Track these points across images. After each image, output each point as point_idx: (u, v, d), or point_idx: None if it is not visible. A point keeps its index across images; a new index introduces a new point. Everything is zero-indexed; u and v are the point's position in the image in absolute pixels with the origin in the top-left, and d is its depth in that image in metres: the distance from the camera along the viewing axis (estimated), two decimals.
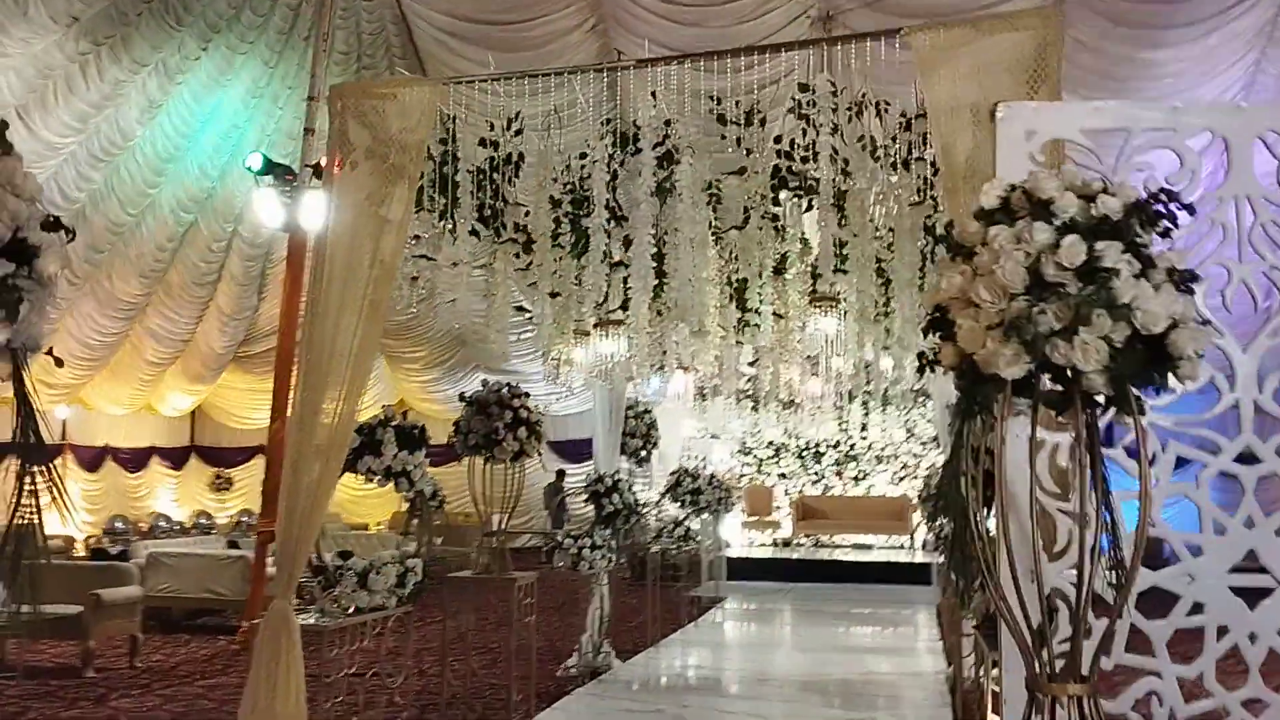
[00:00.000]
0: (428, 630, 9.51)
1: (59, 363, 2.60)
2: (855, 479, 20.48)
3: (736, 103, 5.00)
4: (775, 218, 5.15)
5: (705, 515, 13.88)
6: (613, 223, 5.24)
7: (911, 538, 19.33)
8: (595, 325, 6.28)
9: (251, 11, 13.72)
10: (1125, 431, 3.33)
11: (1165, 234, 2.65)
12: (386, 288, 5.14)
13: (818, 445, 20.65)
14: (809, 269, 5.82)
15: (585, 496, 9.65)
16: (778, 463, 20.82)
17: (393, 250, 5.15)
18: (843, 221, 4.94)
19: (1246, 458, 3.27)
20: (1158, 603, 3.28)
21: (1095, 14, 11.57)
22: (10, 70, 12.83)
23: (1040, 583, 2.89)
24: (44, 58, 13.02)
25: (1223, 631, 3.23)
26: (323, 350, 5.10)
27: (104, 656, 9.81)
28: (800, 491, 20.45)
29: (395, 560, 6.41)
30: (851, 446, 20.53)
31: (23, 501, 2.32)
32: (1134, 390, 2.62)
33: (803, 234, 5.81)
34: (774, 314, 5.66)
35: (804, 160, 4.93)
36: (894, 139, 5.00)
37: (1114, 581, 3.14)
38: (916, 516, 18.96)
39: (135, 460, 22.97)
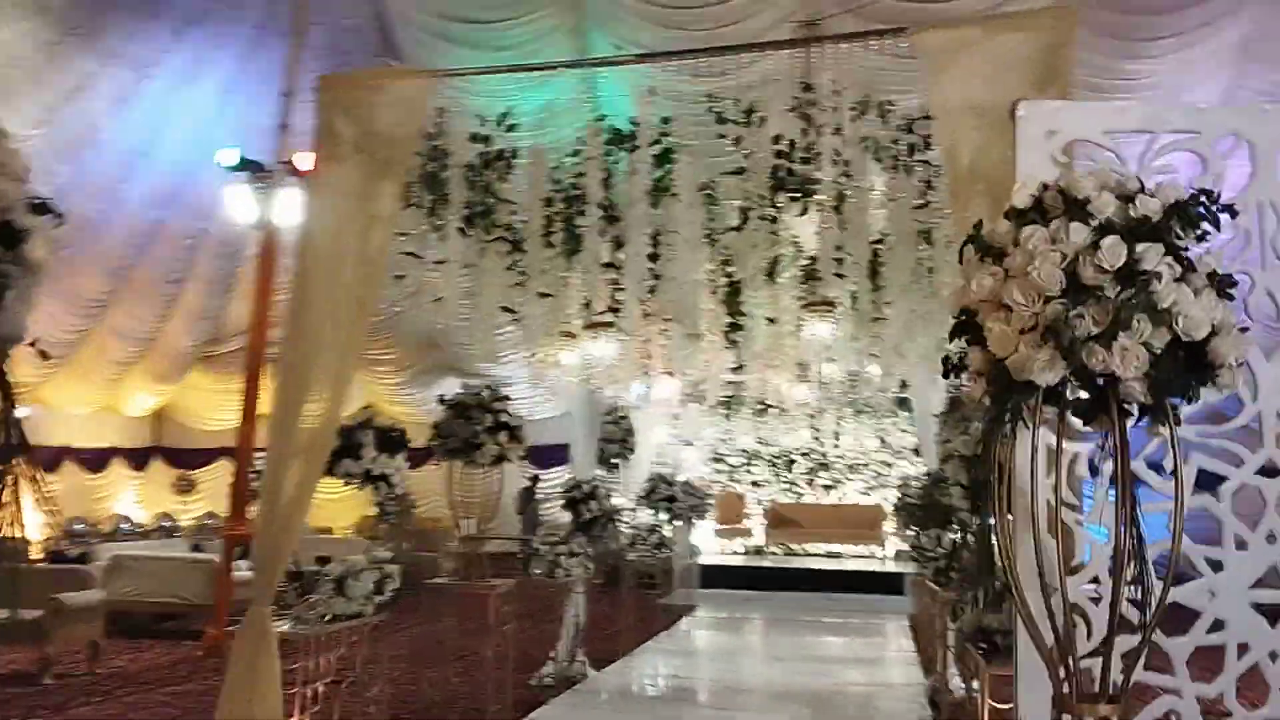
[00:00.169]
0: (398, 637, 9.32)
1: (44, 355, 2.45)
2: (827, 487, 20.44)
3: (735, 101, 4.89)
4: (773, 220, 5.05)
5: (677, 522, 13.79)
6: (606, 222, 5.11)
7: (883, 547, 19.30)
8: (585, 327, 6.15)
9: (227, 5, 13.49)
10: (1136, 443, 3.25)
11: (1202, 237, 2.56)
12: (373, 286, 4.99)
13: (790, 453, 20.61)
14: (802, 272, 5.72)
15: (562, 503, 9.51)
16: (750, 470, 20.75)
17: (380, 247, 5.00)
18: (844, 225, 4.84)
19: (1269, 470, 3.18)
20: (1177, 619, 3.18)
21: (1078, 23, 11.56)
22: None
23: (1065, 598, 2.78)
24: (10, 46, 12.73)
25: (1243, 649, 3.14)
26: (305, 349, 4.94)
27: (63, 663, 9.53)
28: (772, 500, 20.38)
29: (373, 566, 6.25)
30: (824, 455, 20.49)
31: (3, 502, 2.16)
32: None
33: (794, 237, 5.71)
34: (766, 319, 5.56)
35: (804, 161, 4.83)
36: (895, 141, 4.90)
37: (1136, 598, 3.05)
38: (888, 526, 18.95)
39: (96, 461, 22.54)
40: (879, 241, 5.00)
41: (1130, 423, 2.78)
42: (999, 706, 4.87)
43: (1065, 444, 3.26)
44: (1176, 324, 2.38)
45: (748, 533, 20.19)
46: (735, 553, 20.07)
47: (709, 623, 14.52)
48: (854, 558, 19.63)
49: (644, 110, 4.87)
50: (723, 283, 5.60)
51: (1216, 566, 3.18)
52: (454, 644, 8.34)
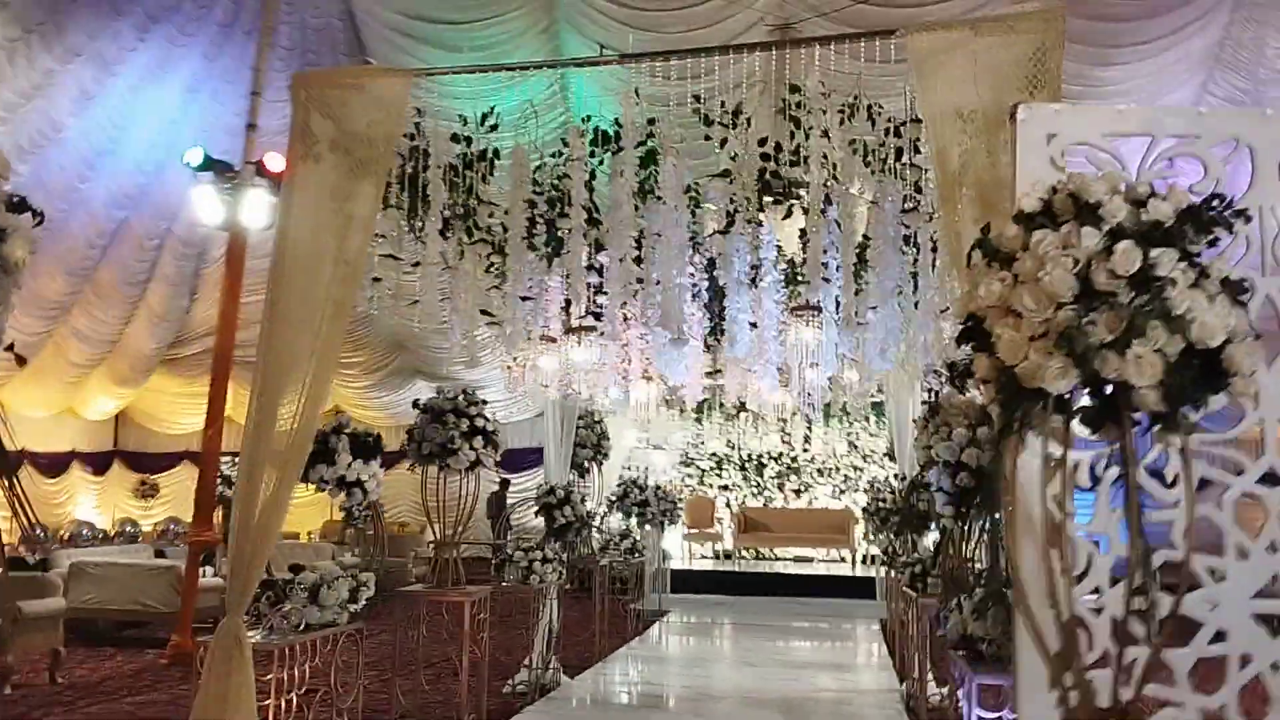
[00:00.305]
0: (368, 645, 9.18)
1: (20, 361, 2.33)
2: (797, 492, 20.45)
3: (722, 103, 4.83)
4: (760, 223, 4.99)
5: (648, 527, 13.73)
6: (588, 225, 5.04)
7: (852, 551, 19.33)
8: (567, 332, 6.07)
9: (193, 3, 13.28)
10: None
11: (1214, 242, 2.52)
12: (351, 288, 4.90)
13: (760, 457, 20.61)
14: (784, 277, 5.67)
15: (536, 508, 9.41)
16: (719, 474, 20.74)
17: (358, 249, 4.90)
18: (828, 229, 4.78)
19: (1271, 479, 3.15)
20: (1178, 630, 3.14)
21: None
22: None
23: (1071, 609, 2.72)
24: None
25: (1246, 660, 3.10)
26: (281, 352, 4.84)
27: (22, 673, 9.31)
28: (742, 503, 20.37)
29: (347, 574, 6.13)
30: (794, 459, 20.51)
31: None
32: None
33: (779, 242, 5.66)
34: (750, 324, 5.50)
35: (792, 164, 4.78)
36: (881, 144, 4.86)
37: (1139, 608, 3.01)
38: (858, 530, 18.98)
39: (54, 465, 22.18)
40: (863, 247, 4.95)
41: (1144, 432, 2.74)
42: (985, 716, 4.83)
43: (1057, 452, 3.23)
44: (1191, 331, 2.33)
45: (717, 537, 20.16)
46: (705, 557, 20.06)
47: (681, 628, 14.46)
48: (823, 562, 19.66)
49: (627, 111, 4.79)
50: (705, 286, 5.54)
51: (1218, 576, 3.14)
52: (426, 652, 8.21)
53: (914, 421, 9.13)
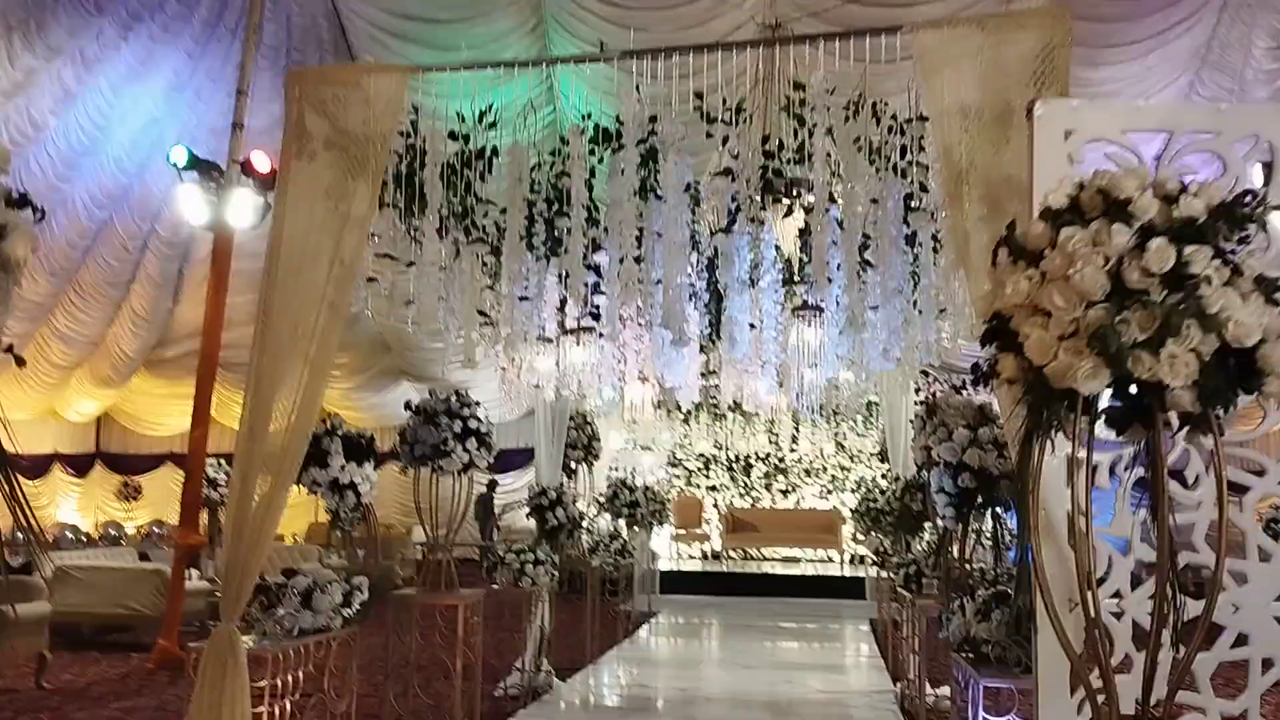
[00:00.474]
0: (358, 649, 9.08)
1: (20, 362, 2.26)
2: (784, 492, 20.42)
3: (724, 100, 4.77)
4: (762, 222, 4.93)
5: (636, 528, 13.66)
6: (589, 224, 4.97)
7: (840, 551, 19.31)
8: (567, 332, 5.99)
9: (176, 1, 13.14)
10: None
11: (1245, 239, 2.47)
12: (346, 288, 4.82)
13: (747, 458, 20.57)
14: (783, 277, 5.62)
15: (528, 510, 9.33)
16: (707, 475, 20.69)
17: (354, 249, 4.82)
18: (837, 226, 4.72)
19: None
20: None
21: None
22: None
23: (1097, 612, 2.67)
24: None
25: (1268, 664, 3.06)
26: (276, 354, 4.75)
27: (7, 677, 9.18)
28: (729, 504, 20.33)
29: (341, 578, 6.05)
30: (781, 459, 20.48)
31: None
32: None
33: (777, 243, 5.61)
34: (750, 324, 5.44)
35: (796, 161, 4.73)
36: (885, 143, 4.81)
37: (1160, 611, 2.96)
38: (845, 530, 18.97)
39: (35, 467, 21.96)
40: (865, 246, 4.90)
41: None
42: (991, 718, 4.79)
43: (1083, 453, 3.18)
44: (1226, 330, 2.28)
45: (705, 537, 20.12)
46: (692, 558, 20.01)
47: (671, 629, 14.41)
48: (810, 562, 19.64)
49: (628, 108, 4.73)
50: (704, 286, 5.48)
51: (1240, 579, 3.10)
52: (417, 655, 8.13)
53: (910, 422, 9.13)
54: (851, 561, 19.16)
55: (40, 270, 16.09)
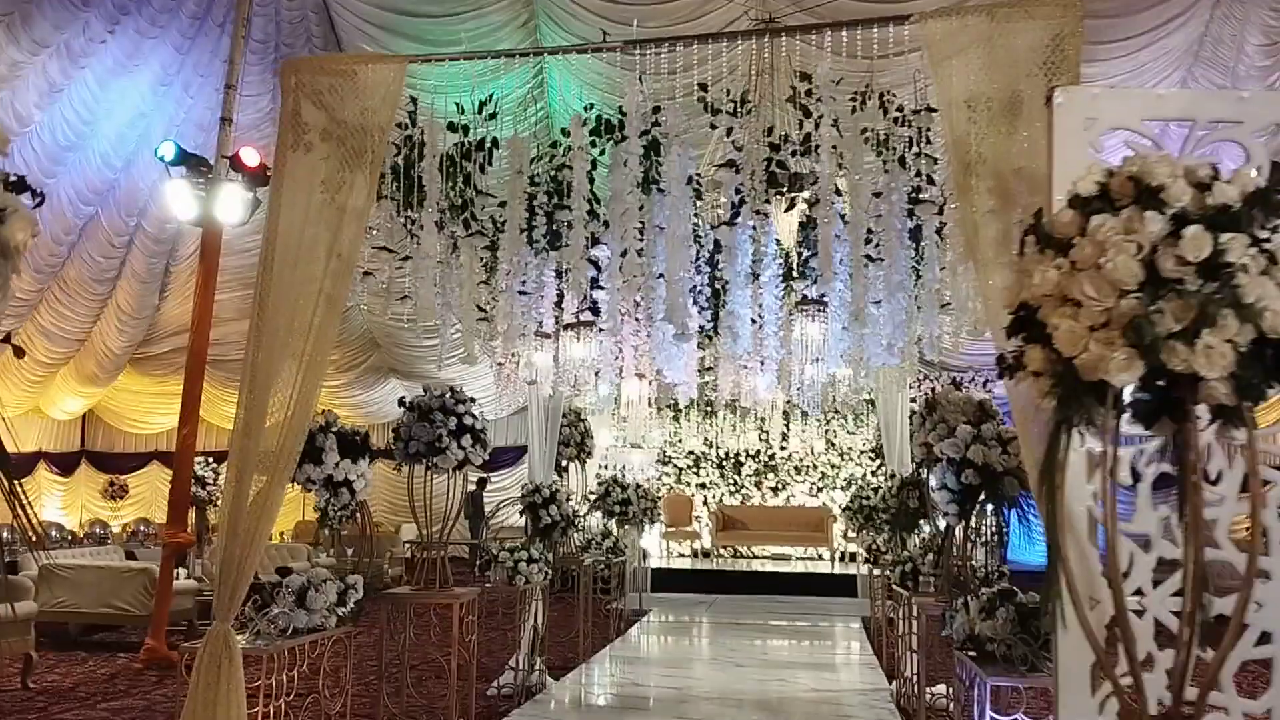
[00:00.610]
0: (350, 646, 8.99)
1: (19, 352, 2.17)
2: (774, 489, 20.37)
3: (727, 91, 4.70)
4: (766, 215, 4.87)
5: (627, 526, 13.60)
6: (590, 217, 4.89)
7: (830, 549, 19.27)
8: (566, 327, 5.91)
9: None
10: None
11: (1278, 228, 2.41)
12: (344, 281, 4.73)
13: (737, 455, 20.52)
14: (783, 271, 5.55)
15: (521, 508, 9.24)
16: (697, 473, 20.63)
17: (351, 241, 4.74)
18: (845, 220, 4.66)
19: None
20: (1217, 632, 3.04)
21: None
22: None
23: (1123, 610, 2.61)
24: None
25: None
26: (272, 350, 4.67)
27: None
28: (719, 501, 20.27)
29: (335, 576, 5.97)
30: (771, 457, 20.43)
31: None
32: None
33: (778, 238, 5.54)
34: (752, 319, 5.38)
35: (800, 154, 4.66)
36: (891, 134, 4.75)
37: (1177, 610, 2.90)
38: (836, 527, 18.94)
39: (20, 466, 21.78)
40: (869, 240, 4.83)
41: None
42: (999, 718, 4.73)
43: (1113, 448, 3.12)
44: (1263, 320, 2.22)
45: (695, 535, 20.06)
46: (682, 555, 19.95)
47: (663, 627, 14.35)
48: (800, 559, 19.60)
49: (631, 99, 4.65)
50: (706, 280, 5.41)
51: (1262, 576, 3.04)
52: (411, 655, 8.04)
53: (909, 418, 9.09)
54: (841, 559, 19.14)
55: (25, 266, 15.86)
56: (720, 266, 5.24)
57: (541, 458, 9.46)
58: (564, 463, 10.61)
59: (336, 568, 9.00)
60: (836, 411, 17.21)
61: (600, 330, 5.80)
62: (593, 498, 13.18)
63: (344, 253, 4.68)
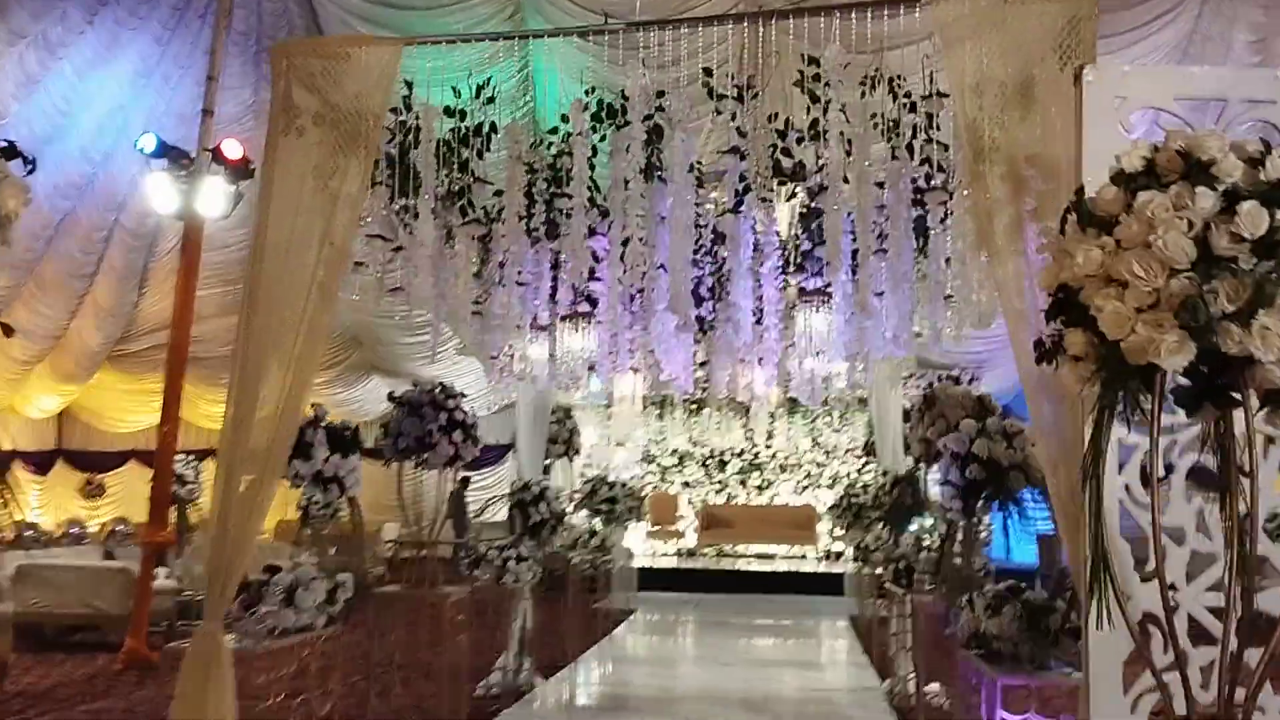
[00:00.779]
0: (339, 647, 8.84)
1: (8, 331, 2.04)
2: (759, 488, 20.27)
3: (731, 76, 4.58)
4: (769, 202, 4.75)
5: (612, 524, 13.47)
6: (589, 204, 4.77)
7: (815, 547, 19.19)
8: (564, 318, 5.78)
9: None
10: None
11: None
12: (337, 270, 4.58)
13: (722, 453, 20.41)
14: (784, 261, 5.44)
15: (509, 505, 9.10)
16: (681, 471, 20.51)
17: (345, 228, 4.60)
18: (835, 209, 4.54)
19: None
20: (1252, 630, 2.94)
21: None
22: None
23: (1168, 607, 2.51)
24: None
25: None
26: (262, 342, 4.52)
27: None
28: (705, 500, 20.16)
29: (324, 575, 5.82)
30: (756, 455, 20.33)
31: None
32: None
33: (777, 229, 5.43)
34: (754, 310, 5.26)
35: (809, 139, 4.55)
36: (899, 120, 4.65)
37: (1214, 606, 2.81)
38: (821, 526, 18.86)
39: None
40: (876, 230, 4.73)
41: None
42: (1009, 717, 4.64)
43: (1135, 437, 3.02)
44: None
45: (679, 534, 19.94)
46: (666, 554, 19.82)
47: (649, 627, 14.24)
48: (786, 558, 19.50)
49: (634, 84, 4.53)
50: (709, 270, 5.30)
51: None
52: (399, 654, 7.91)
53: (906, 412, 8.98)
54: (827, 558, 19.06)
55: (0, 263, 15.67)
56: (723, 257, 5.12)
57: (530, 454, 9.33)
58: (549, 460, 10.48)
59: (321, 566, 8.84)
60: (827, 404, 17.11)
61: (599, 323, 5.67)
62: (578, 496, 13.06)
63: (337, 240, 4.54)
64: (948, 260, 5.11)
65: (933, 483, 8.15)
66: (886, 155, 4.63)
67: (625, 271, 4.60)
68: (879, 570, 9.82)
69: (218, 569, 4.47)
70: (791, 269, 5.74)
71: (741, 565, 18.90)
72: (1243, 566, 2.53)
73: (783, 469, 20.25)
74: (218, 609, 4.50)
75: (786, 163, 4.56)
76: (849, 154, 4.43)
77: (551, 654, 10.44)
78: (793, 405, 18.61)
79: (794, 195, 5.00)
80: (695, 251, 5.16)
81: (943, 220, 4.99)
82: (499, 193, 5.19)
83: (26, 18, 12.63)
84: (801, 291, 5.42)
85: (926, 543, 8.19)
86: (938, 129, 4.64)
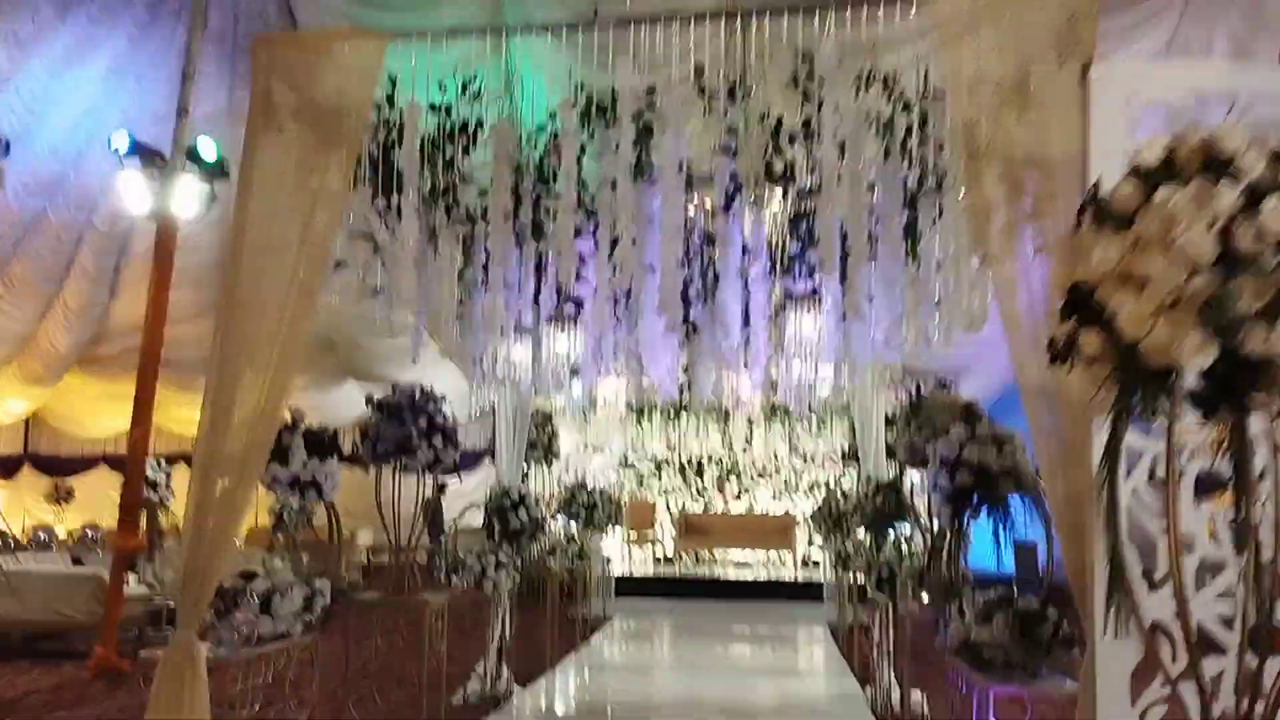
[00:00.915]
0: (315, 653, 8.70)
1: None
2: (737, 495, 20.19)
3: (726, 75, 4.50)
4: (761, 202, 4.67)
5: (591, 531, 13.37)
6: (578, 205, 4.67)
7: (794, 554, 19.12)
8: (549, 321, 5.69)
9: None
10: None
11: None
12: (319, 269, 4.47)
13: (699, 460, 20.32)
14: (773, 262, 5.36)
15: (490, 511, 8.98)
16: (659, 477, 20.40)
17: (326, 226, 4.48)
18: (822, 211, 4.46)
19: None
20: (1269, 639, 2.88)
21: None
22: None
23: (1187, 615, 2.44)
24: None
25: None
26: (241, 343, 4.40)
27: None
28: (682, 507, 20.06)
29: (301, 581, 5.70)
30: (735, 462, 20.25)
31: None
32: None
33: (766, 231, 5.35)
34: (744, 313, 5.19)
35: (799, 139, 4.48)
36: (890, 121, 4.58)
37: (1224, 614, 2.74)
38: (799, 533, 18.81)
39: None
40: (872, 238, 4.65)
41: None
42: None
43: (1140, 442, 2.95)
44: None
45: (655, 541, 19.83)
46: (644, 561, 19.71)
47: (627, 634, 14.13)
48: (764, 565, 19.43)
49: (624, 81, 4.44)
50: (700, 271, 5.20)
51: None
52: (375, 662, 7.78)
53: (888, 418, 8.92)
54: (805, 565, 18.99)
55: None
56: (712, 256, 5.04)
57: (509, 460, 9.22)
58: (526, 467, 10.37)
59: (292, 572, 8.70)
60: (812, 410, 17.07)
61: (585, 325, 5.57)
62: (556, 502, 12.95)
63: (319, 238, 4.43)
64: (939, 264, 5.04)
65: (918, 489, 8.11)
66: (879, 156, 4.56)
67: (615, 273, 4.50)
68: (860, 577, 9.76)
69: (193, 573, 4.35)
70: (780, 272, 5.67)
71: (719, 572, 18.80)
72: (1257, 574, 2.46)
73: (761, 475, 20.17)
74: (192, 615, 4.38)
75: (778, 163, 4.48)
76: (842, 154, 4.35)
77: (529, 661, 10.32)
78: (772, 411, 18.57)
79: (785, 196, 4.92)
80: (685, 252, 5.06)
81: (933, 223, 4.92)
82: (483, 192, 5.08)
83: None
84: (789, 295, 5.35)
85: (909, 550, 8.12)
86: (926, 128, 4.57)
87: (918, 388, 7.31)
